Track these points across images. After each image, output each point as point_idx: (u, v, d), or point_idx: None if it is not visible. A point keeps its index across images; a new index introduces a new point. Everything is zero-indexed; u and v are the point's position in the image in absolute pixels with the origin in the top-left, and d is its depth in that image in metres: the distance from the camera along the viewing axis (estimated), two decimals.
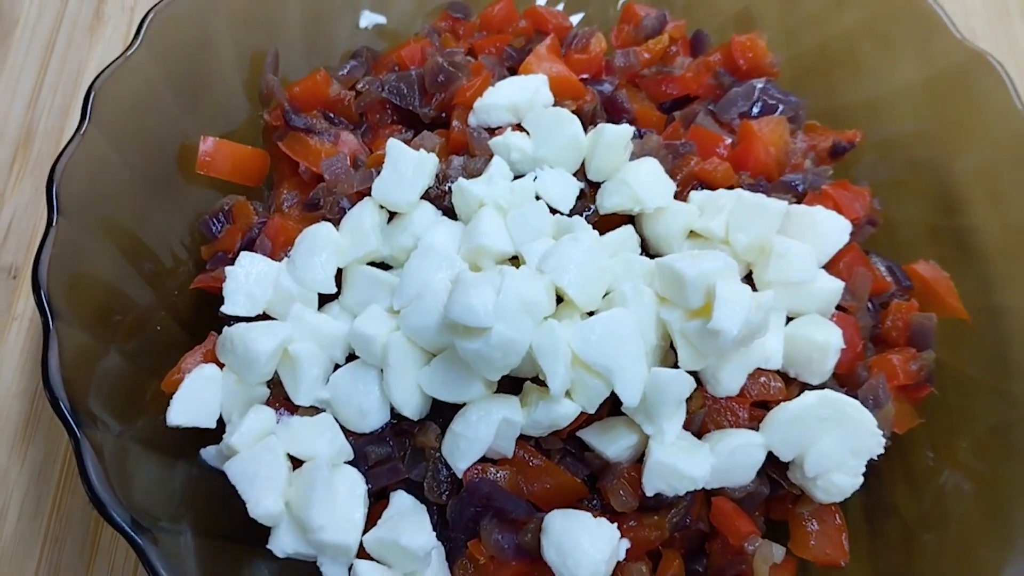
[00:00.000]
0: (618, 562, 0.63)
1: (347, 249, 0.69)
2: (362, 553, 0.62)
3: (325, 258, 0.69)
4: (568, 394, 0.62)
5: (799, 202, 0.74)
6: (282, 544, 0.61)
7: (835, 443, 0.64)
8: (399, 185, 0.70)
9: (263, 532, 0.62)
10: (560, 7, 0.90)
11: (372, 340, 0.64)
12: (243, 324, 0.66)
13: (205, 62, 0.77)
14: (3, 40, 0.89)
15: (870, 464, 0.69)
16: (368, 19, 0.86)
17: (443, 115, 0.78)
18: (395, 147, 0.70)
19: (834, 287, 0.69)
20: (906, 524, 0.68)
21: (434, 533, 0.63)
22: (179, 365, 0.66)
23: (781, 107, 0.80)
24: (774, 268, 0.68)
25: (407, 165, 0.70)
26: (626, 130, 0.71)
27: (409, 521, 0.62)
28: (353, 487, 0.63)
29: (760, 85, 0.81)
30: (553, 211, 0.70)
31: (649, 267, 0.66)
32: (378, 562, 0.62)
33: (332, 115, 0.79)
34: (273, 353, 0.64)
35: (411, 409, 0.64)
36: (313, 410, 0.65)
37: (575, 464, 0.65)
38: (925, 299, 0.74)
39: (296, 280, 0.68)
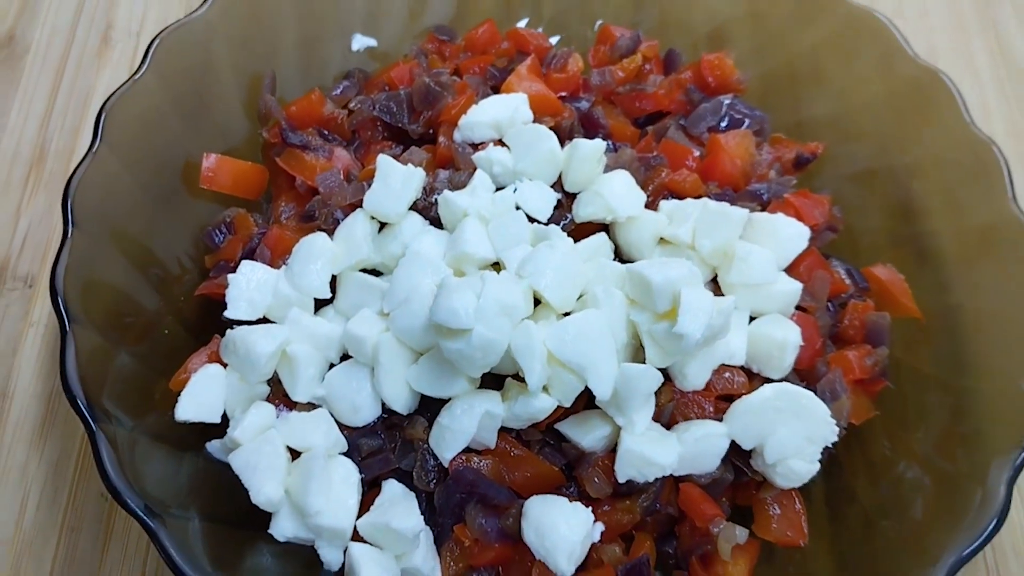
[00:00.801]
0: (593, 544, 0.69)
1: (341, 257, 0.74)
2: (356, 537, 0.67)
3: (320, 266, 0.74)
4: (545, 389, 0.67)
5: (763, 210, 0.79)
6: (282, 529, 0.66)
7: (792, 432, 0.68)
8: (389, 197, 0.75)
9: (265, 518, 0.66)
10: (540, 29, 0.95)
11: (364, 341, 0.69)
12: (245, 327, 0.71)
13: (207, 84, 0.81)
14: (16, 64, 0.94)
15: (830, 454, 0.75)
16: (360, 42, 0.91)
17: (430, 131, 0.83)
18: (385, 162, 0.76)
19: (793, 288, 0.74)
20: (865, 510, 0.73)
21: (422, 517, 0.67)
22: (186, 365, 0.71)
23: (747, 121, 0.86)
24: (736, 271, 0.73)
25: (396, 178, 0.75)
26: (599, 144, 0.76)
27: (399, 507, 0.67)
28: (347, 476, 0.68)
29: (727, 101, 0.86)
30: (532, 220, 0.75)
31: (620, 272, 0.71)
32: (371, 545, 0.67)
33: (326, 132, 0.84)
34: (273, 354, 0.69)
35: (401, 404, 0.69)
36: (310, 406, 0.70)
37: (553, 454, 0.70)
38: (881, 300, 0.79)
39: (293, 286, 0.73)
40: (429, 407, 0.70)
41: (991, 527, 0.63)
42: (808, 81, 0.90)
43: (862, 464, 0.76)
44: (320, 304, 0.75)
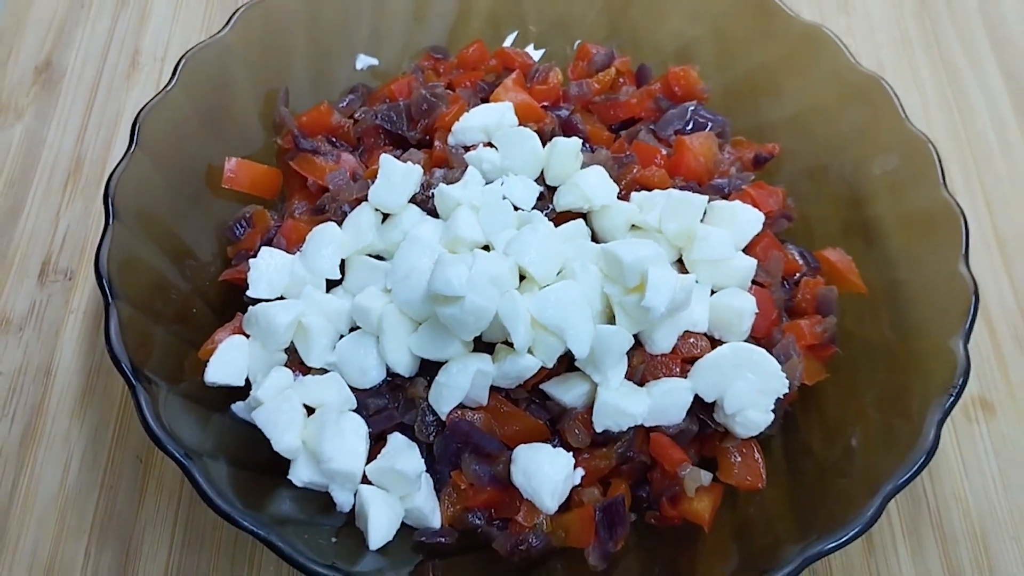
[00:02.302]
0: (575, 488, 0.77)
1: (348, 243, 0.84)
2: (365, 482, 0.76)
3: (331, 251, 0.83)
4: (531, 351, 0.77)
5: (724, 199, 0.89)
6: (300, 474, 0.75)
7: (747, 385, 0.77)
8: (391, 191, 0.85)
9: (284, 468, 0.76)
10: (528, 48, 1.06)
11: (370, 311, 0.79)
12: (265, 303, 0.80)
13: (228, 98, 0.91)
14: (54, 87, 1.04)
15: (787, 412, 0.84)
16: (363, 61, 1.01)
17: (427, 137, 0.93)
18: (387, 161, 0.86)
19: (749, 264, 0.84)
20: (818, 459, 0.81)
21: (423, 466, 0.77)
22: (213, 337, 0.80)
23: (710, 125, 0.96)
24: (698, 249, 0.83)
25: (397, 175, 0.85)
26: (575, 142, 0.86)
27: (403, 454, 0.76)
28: (357, 428, 0.77)
29: (692, 107, 0.96)
30: (517, 209, 0.85)
31: (596, 250, 0.80)
32: (379, 488, 0.76)
33: (334, 139, 0.94)
34: (290, 325, 0.79)
35: (403, 367, 0.78)
36: (323, 371, 0.80)
37: (538, 410, 0.79)
38: (831, 278, 0.89)
39: (307, 268, 0.83)
40: (428, 370, 0.79)
41: (923, 460, 0.72)
42: (765, 90, 1.00)
43: (816, 421, 0.84)
44: (331, 285, 0.84)
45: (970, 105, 1.11)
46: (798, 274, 0.90)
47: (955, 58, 1.15)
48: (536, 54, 1.05)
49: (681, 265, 0.85)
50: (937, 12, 1.19)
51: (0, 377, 0.87)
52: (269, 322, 0.78)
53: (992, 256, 1.00)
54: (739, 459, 0.80)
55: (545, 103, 0.96)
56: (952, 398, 0.75)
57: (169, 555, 0.80)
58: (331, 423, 0.75)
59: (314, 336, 0.79)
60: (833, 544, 0.69)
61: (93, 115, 1.03)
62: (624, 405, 0.76)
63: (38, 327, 0.90)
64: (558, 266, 0.80)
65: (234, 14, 0.91)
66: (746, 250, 0.86)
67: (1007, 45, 1.16)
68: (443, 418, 0.77)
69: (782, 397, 0.79)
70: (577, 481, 0.77)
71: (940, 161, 0.87)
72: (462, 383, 0.76)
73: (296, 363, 0.80)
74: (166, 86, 0.86)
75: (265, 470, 0.76)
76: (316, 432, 0.75)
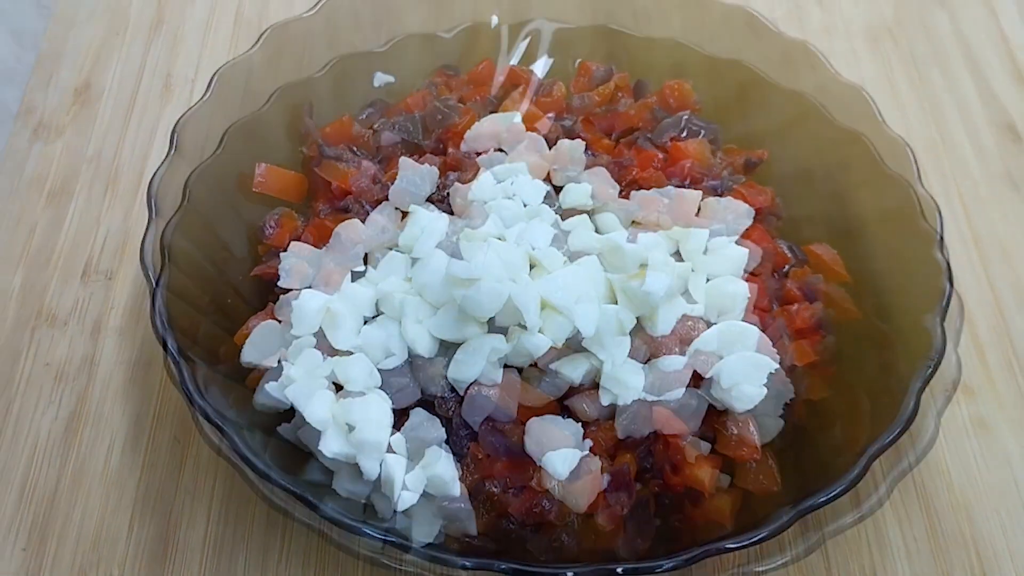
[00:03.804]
0: (583, 457, 0.83)
1: (371, 238, 0.91)
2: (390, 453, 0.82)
3: (355, 244, 0.90)
4: (542, 332, 0.83)
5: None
6: (330, 446, 0.81)
7: (741, 359, 0.84)
8: (409, 190, 0.92)
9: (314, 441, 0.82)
10: (533, 67, 1.14)
11: (392, 296, 0.85)
12: (296, 291, 0.87)
13: (257, 110, 1.00)
14: (92, 106, 1.12)
15: (796, 427, 0.90)
16: (380, 79, 1.08)
17: (440, 145, 1.01)
18: (405, 162, 0.93)
19: (741, 253, 0.91)
20: (811, 436, 0.88)
21: (444, 434, 0.83)
22: (247, 324, 0.87)
23: (703, 131, 1.03)
24: (693, 239, 0.90)
25: (415, 175, 0.92)
26: (579, 143, 0.94)
27: (426, 424, 0.82)
28: (382, 403, 0.83)
29: (686, 116, 1.03)
30: (526, 206, 0.92)
31: (601, 241, 0.88)
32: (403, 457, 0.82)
33: (355, 148, 1.01)
34: (319, 310, 0.85)
35: (423, 348, 0.85)
36: (349, 353, 0.86)
37: (549, 387, 0.85)
38: (817, 268, 0.96)
39: (334, 261, 0.90)
40: (447, 352, 0.85)
41: (905, 423, 0.79)
42: (754, 102, 1.08)
43: (807, 402, 0.90)
44: (356, 276, 0.91)
45: (946, 119, 1.19)
46: (787, 266, 0.96)
47: (931, 76, 1.23)
48: (540, 72, 1.13)
49: (678, 257, 0.92)
50: (913, 35, 1.27)
51: (47, 367, 0.93)
52: (300, 308, 0.85)
53: (970, 253, 1.06)
54: (735, 433, 0.86)
55: (550, 114, 1.03)
56: (930, 369, 0.81)
57: (207, 526, 0.85)
58: (358, 397, 0.81)
59: (341, 320, 0.86)
60: (824, 498, 0.75)
61: (129, 131, 1.10)
62: (627, 379, 0.82)
63: (81, 322, 0.96)
64: (564, 255, 0.87)
65: (262, 34, 0.99)
66: (738, 242, 0.93)
67: (980, 64, 1.24)
68: (461, 393, 0.83)
69: (789, 403, 0.86)
70: (586, 450, 0.83)
71: (916, 161, 0.94)
72: (479, 359, 0.82)
73: (324, 346, 0.86)
74: (201, 97, 0.94)
75: (296, 444, 0.82)
76: (344, 406, 0.81)
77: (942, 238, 0.89)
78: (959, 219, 1.09)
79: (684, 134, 1.03)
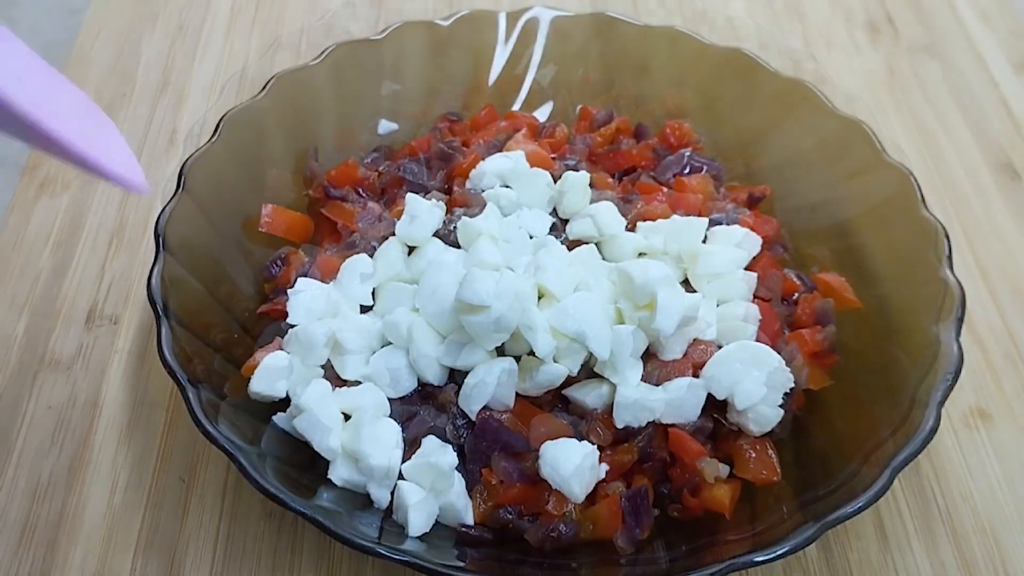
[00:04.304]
0: (600, 483, 0.82)
1: (379, 272, 0.91)
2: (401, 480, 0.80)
3: (363, 278, 0.90)
4: (556, 360, 0.82)
5: None
6: (339, 473, 0.80)
7: (755, 381, 0.82)
8: (416, 226, 0.92)
9: (322, 470, 0.80)
10: (536, 113, 1.15)
11: (399, 324, 0.84)
12: (305, 323, 0.86)
13: (263, 154, 1.00)
14: None
15: (795, 418, 0.89)
16: (384, 127, 1.10)
17: (445, 186, 1.01)
18: (412, 198, 0.93)
19: (750, 277, 0.91)
20: (826, 455, 0.86)
21: (456, 460, 0.81)
22: (254, 357, 0.86)
23: (705, 168, 1.04)
24: (702, 264, 0.90)
25: (422, 211, 0.93)
26: (585, 175, 0.95)
27: (438, 451, 0.80)
28: (392, 430, 0.81)
29: (687, 153, 1.05)
30: (533, 238, 0.92)
31: (609, 268, 0.88)
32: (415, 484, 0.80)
33: (360, 190, 1.02)
34: (327, 340, 0.84)
35: (433, 375, 0.84)
36: (357, 383, 0.85)
37: (562, 413, 0.84)
38: (827, 295, 0.96)
39: (342, 294, 0.89)
40: (456, 380, 0.84)
41: (927, 435, 0.77)
42: (755, 140, 1.09)
43: (823, 424, 0.89)
44: (364, 311, 0.90)
45: (944, 161, 1.20)
46: (796, 293, 0.96)
47: (926, 119, 1.25)
48: (542, 117, 1.15)
49: (687, 284, 0.91)
50: (907, 82, 1.30)
51: (49, 411, 0.92)
52: (308, 338, 0.84)
53: (977, 285, 1.06)
54: (754, 455, 0.84)
55: (553, 155, 1.04)
56: (950, 382, 0.80)
57: (212, 565, 0.82)
58: (367, 425, 0.80)
59: (349, 350, 0.85)
60: (847, 511, 0.73)
61: None
62: (643, 400, 0.81)
63: (85, 366, 0.95)
64: (574, 283, 0.86)
65: (269, 81, 1.01)
66: (746, 270, 0.93)
67: (971, 107, 1.26)
68: (473, 418, 0.82)
69: (789, 393, 0.84)
70: (602, 475, 0.81)
71: (919, 187, 0.95)
72: (489, 382, 0.81)
73: (333, 378, 0.85)
74: (209, 139, 0.94)
75: (306, 469, 0.80)
76: (353, 434, 0.80)
77: (951, 257, 0.89)
78: (964, 252, 1.10)
79: (687, 170, 1.04)
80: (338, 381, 0.85)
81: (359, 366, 0.85)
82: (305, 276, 0.92)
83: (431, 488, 0.79)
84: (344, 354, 0.85)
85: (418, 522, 0.77)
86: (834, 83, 1.07)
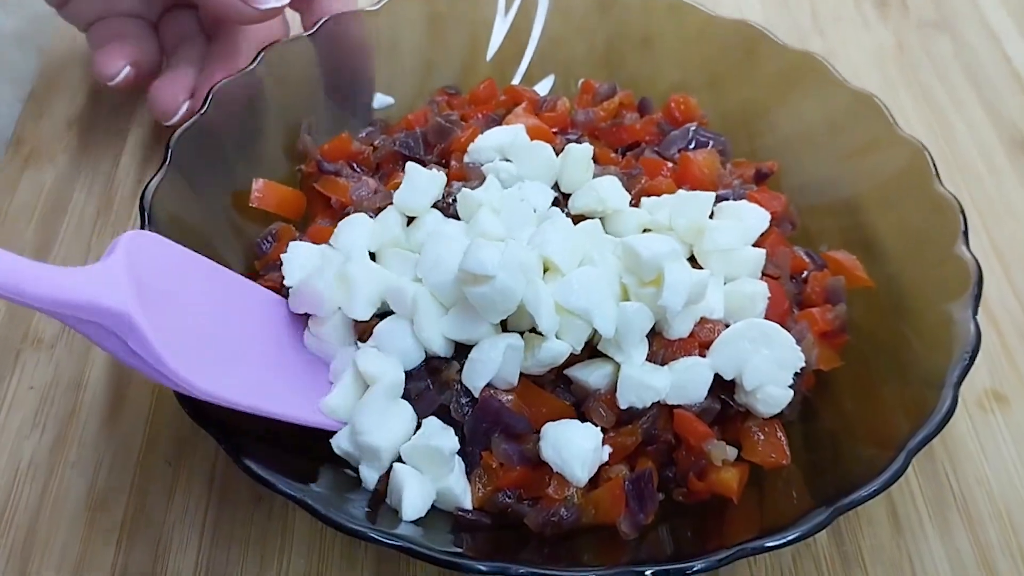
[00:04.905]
0: (603, 466, 0.78)
1: (377, 234, 0.87)
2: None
3: (361, 236, 0.86)
4: (558, 336, 0.79)
5: None
6: (339, 442, 0.77)
7: (764, 360, 0.79)
8: (415, 195, 0.88)
9: (316, 453, 0.77)
10: (536, 87, 1.12)
11: (404, 292, 0.81)
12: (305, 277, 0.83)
13: (255, 127, 0.97)
14: (85, 137, 1.10)
15: (805, 399, 0.86)
16: (380, 100, 1.07)
17: (443, 160, 0.98)
18: (412, 168, 0.90)
19: (758, 254, 0.87)
20: (836, 437, 0.83)
21: (457, 444, 0.77)
22: None
23: (712, 143, 1.01)
24: (708, 240, 0.86)
25: (422, 180, 0.89)
26: (588, 148, 0.91)
27: (439, 433, 0.77)
28: (405, 416, 0.78)
29: (693, 127, 1.01)
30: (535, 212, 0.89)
31: (614, 242, 0.84)
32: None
33: (354, 165, 0.99)
34: (332, 279, 0.82)
35: (438, 347, 0.80)
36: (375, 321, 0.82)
37: (564, 393, 0.81)
38: (837, 274, 0.92)
39: (339, 250, 0.86)
40: (461, 356, 0.81)
41: (943, 418, 0.74)
42: (761, 116, 1.06)
43: (833, 405, 0.86)
44: None
45: (956, 136, 1.17)
46: (805, 271, 0.93)
47: (937, 95, 1.21)
48: (543, 91, 1.11)
49: (693, 262, 0.88)
50: (917, 59, 1.27)
51: (32, 391, 0.88)
52: (311, 292, 0.81)
53: (991, 264, 1.03)
54: (762, 438, 0.81)
55: (555, 129, 1.01)
56: (967, 362, 0.77)
57: (199, 551, 0.79)
58: (376, 401, 0.77)
59: (357, 286, 0.82)
60: (861, 495, 0.70)
61: (123, 160, 1.08)
62: (647, 379, 0.77)
63: (69, 345, 0.92)
64: (579, 257, 0.83)
65: (260, 52, 0.97)
66: (754, 246, 0.90)
67: (982, 83, 1.23)
68: (476, 395, 0.78)
69: (799, 373, 0.81)
70: (605, 458, 0.78)
71: (933, 161, 0.92)
72: (494, 358, 0.77)
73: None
74: (199, 111, 0.91)
75: (298, 452, 0.77)
76: (361, 406, 0.77)
77: (967, 233, 0.86)
78: (979, 232, 1.06)
79: (692, 145, 1.00)
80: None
81: (368, 305, 0.82)
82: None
83: (429, 472, 0.76)
84: (352, 290, 0.82)
85: (413, 506, 0.74)
86: (842, 59, 1.03)
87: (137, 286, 0.65)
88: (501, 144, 0.94)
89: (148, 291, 0.66)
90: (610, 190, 0.89)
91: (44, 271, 0.59)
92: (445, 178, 0.91)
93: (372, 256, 0.87)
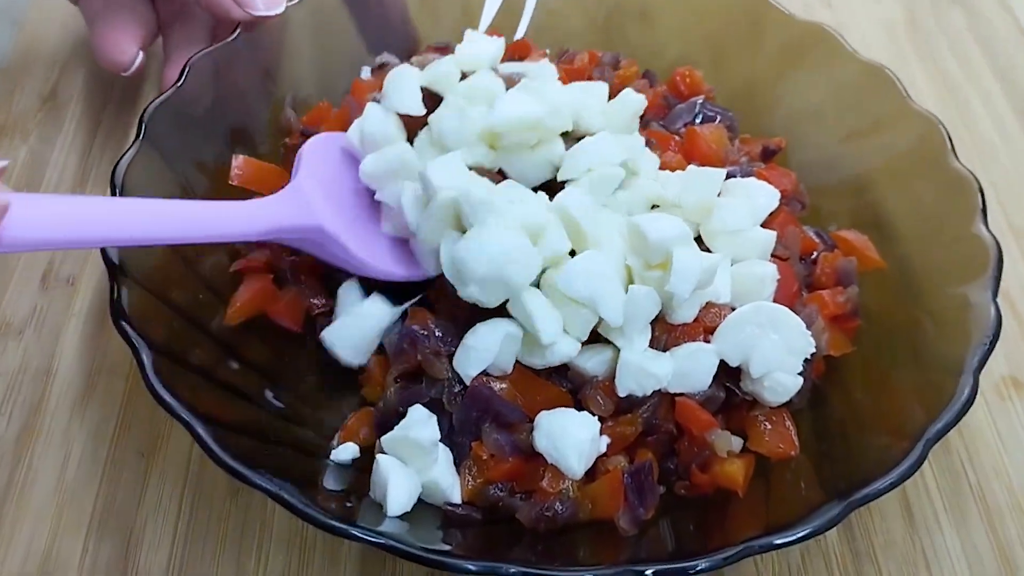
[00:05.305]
0: (600, 457, 0.74)
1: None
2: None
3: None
4: (565, 330, 0.74)
5: None
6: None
7: (773, 345, 0.74)
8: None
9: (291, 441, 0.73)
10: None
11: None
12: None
13: (235, 101, 0.92)
14: (60, 112, 1.05)
15: (814, 386, 0.81)
16: (368, 72, 1.02)
17: None
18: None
19: (768, 236, 0.82)
20: (846, 426, 0.78)
21: (439, 432, 0.73)
22: (234, 301, 0.82)
23: (719, 118, 0.95)
24: (717, 219, 0.81)
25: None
26: (641, 99, 0.88)
27: (420, 424, 0.73)
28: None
29: (699, 101, 0.96)
30: None
31: (619, 222, 0.79)
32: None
33: None
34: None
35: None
36: None
37: (560, 379, 0.76)
38: (847, 254, 0.87)
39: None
40: (453, 340, 0.76)
41: (963, 406, 0.69)
42: (768, 90, 1.01)
43: (844, 391, 0.81)
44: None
45: (971, 111, 1.13)
46: (815, 252, 0.88)
47: (950, 69, 1.17)
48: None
49: (699, 242, 0.83)
50: (928, 31, 1.22)
51: None
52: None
53: (1008, 244, 0.98)
54: (769, 427, 0.76)
55: None
56: (987, 347, 0.72)
57: (172, 547, 0.75)
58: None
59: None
60: (880, 487, 0.65)
61: (99, 137, 1.03)
62: (648, 366, 0.73)
63: (39, 330, 0.87)
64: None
65: (237, 26, 0.92)
66: (763, 225, 0.85)
67: (998, 55, 1.19)
68: (467, 383, 0.74)
69: (809, 359, 0.76)
70: (603, 449, 0.73)
71: (949, 135, 0.87)
72: (490, 346, 0.73)
73: None
74: (175, 84, 0.86)
75: (277, 443, 0.73)
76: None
77: (985, 211, 0.81)
78: (994, 211, 1.00)
79: (699, 120, 0.95)
80: None
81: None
82: None
83: (413, 463, 0.72)
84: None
85: (398, 501, 0.69)
86: (851, 32, 0.99)
87: (321, 187, 0.80)
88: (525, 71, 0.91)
89: (327, 185, 0.81)
90: (642, 151, 0.85)
91: (245, 208, 0.76)
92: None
93: None
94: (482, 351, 0.73)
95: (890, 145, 0.92)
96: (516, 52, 1.00)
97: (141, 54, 0.97)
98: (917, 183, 0.89)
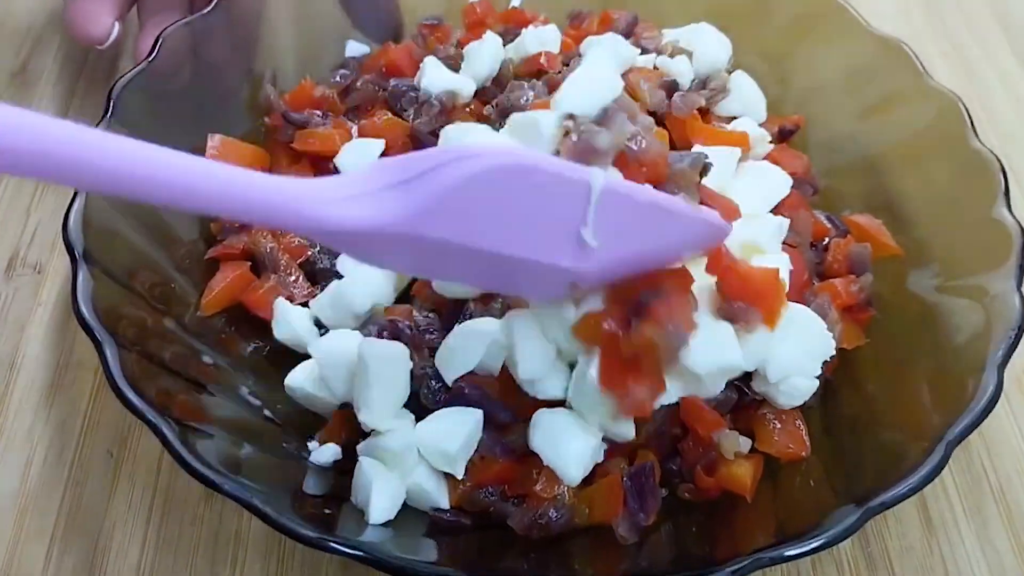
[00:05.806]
0: (598, 464, 0.69)
1: None
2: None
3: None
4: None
5: None
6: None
7: (792, 348, 0.69)
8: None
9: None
10: None
11: None
12: None
13: (211, 78, 0.87)
14: (30, 89, 1.00)
15: (826, 381, 0.76)
16: (354, 48, 0.96)
17: None
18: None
19: (780, 222, 0.77)
20: (860, 424, 0.74)
21: (415, 439, 0.68)
22: (211, 287, 0.77)
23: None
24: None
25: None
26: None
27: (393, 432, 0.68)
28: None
29: None
30: None
31: None
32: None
33: (321, 112, 0.88)
34: None
35: None
36: None
37: None
38: (861, 240, 0.83)
39: None
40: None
41: (987, 404, 0.64)
42: (773, 65, 0.96)
43: (856, 388, 0.76)
44: None
45: (989, 91, 1.08)
46: (827, 238, 0.83)
47: (967, 47, 1.12)
48: None
49: None
50: (945, 8, 1.17)
51: None
52: None
53: None
54: (779, 427, 0.71)
55: None
56: (1012, 340, 0.68)
57: (142, 554, 0.70)
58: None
59: None
60: (900, 492, 0.60)
61: (70, 115, 0.98)
62: None
63: (2, 320, 0.83)
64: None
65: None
66: (774, 211, 0.80)
67: (1017, 34, 1.14)
68: (448, 383, 0.69)
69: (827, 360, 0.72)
70: (601, 457, 0.68)
71: (969, 113, 0.82)
72: (475, 348, 0.68)
73: None
74: (146, 58, 0.81)
75: (251, 444, 0.68)
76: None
77: (1008, 193, 0.76)
78: (1011, 189, 0.96)
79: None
80: None
81: None
82: None
83: (395, 467, 0.67)
84: None
85: (381, 507, 0.65)
86: (863, 8, 0.93)
87: None
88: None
89: None
90: None
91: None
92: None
93: None
94: (466, 353, 0.68)
95: (906, 123, 0.87)
96: (511, 20, 0.94)
97: (118, 25, 0.91)
98: (935, 164, 0.83)
